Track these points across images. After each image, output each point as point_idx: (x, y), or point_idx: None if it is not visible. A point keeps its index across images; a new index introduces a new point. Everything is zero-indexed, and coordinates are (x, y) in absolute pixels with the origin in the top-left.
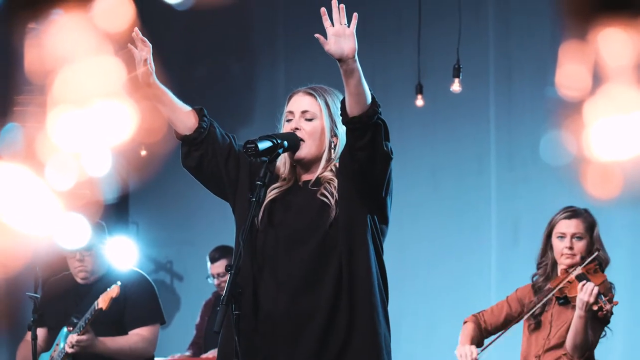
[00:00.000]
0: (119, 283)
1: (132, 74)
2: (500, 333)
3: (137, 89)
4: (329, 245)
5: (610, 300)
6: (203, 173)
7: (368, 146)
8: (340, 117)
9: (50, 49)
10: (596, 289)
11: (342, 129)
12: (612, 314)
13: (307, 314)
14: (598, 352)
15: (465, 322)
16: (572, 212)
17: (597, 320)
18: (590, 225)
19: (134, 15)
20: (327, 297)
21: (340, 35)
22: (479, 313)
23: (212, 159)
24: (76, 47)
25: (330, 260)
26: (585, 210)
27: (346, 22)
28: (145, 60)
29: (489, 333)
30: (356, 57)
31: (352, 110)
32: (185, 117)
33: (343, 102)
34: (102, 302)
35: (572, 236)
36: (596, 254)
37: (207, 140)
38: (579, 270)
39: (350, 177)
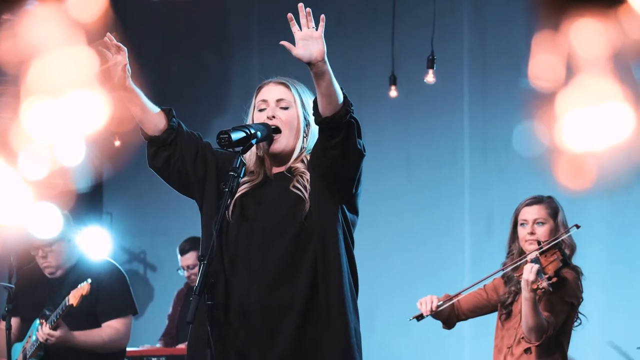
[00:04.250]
0: (89, 281)
1: (104, 66)
2: (468, 287)
3: (110, 80)
4: (304, 238)
5: (549, 278)
6: (170, 173)
7: (341, 145)
8: (312, 110)
9: (24, 39)
10: (535, 267)
11: (313, 119)
12: (550, 291)
13: (282, 307)
14: (573, 341)
15: None
16: (534, 199)
17: (559, 303)
18: (553, 211)
19: (107, 5)
20: (302, 290)
21: (308, 38)
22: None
23: (179, 159)
24: (50, 38)
25: (305, 254)
26: (549, 197)
27: (314, 25)
28: (124, 65)
29: (462, 314)
30: (326, 59)
31: (325, 110)
32: (155, 118)
33: (316, 102)
34: (72, 298)
35: (534, 222)
36: (558, 239)
37: (175, 141)
38: (535, 254)
39: (321, 174)
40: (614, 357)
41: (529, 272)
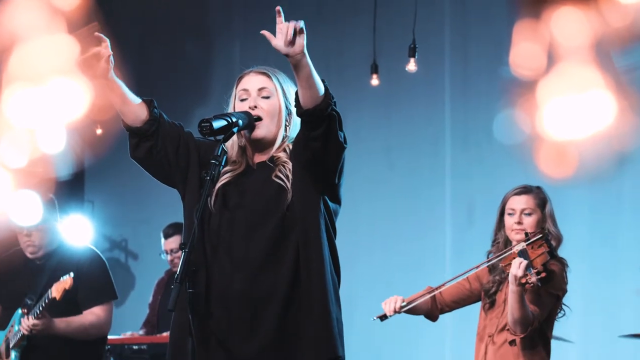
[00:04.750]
0: (72, 274)
1: (85, 55)
2: (439, 287)
3: (90, 69)
4: (286, 228)
5: (538, 273)
6: (152, 163)
7: (322, 137)
8: (294, 101)
9: (4, 27)
10: (525, 263)
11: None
12: (538, 286)
13: (264, 296)
14: (555, 330)
15: None
16: (523, 189)
17: (544, 295)
18: (541, 201)
19: None
20: (284, 280)
21: (288, 31)
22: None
23: (162, 150)
24: (31, 26)
25: (287, 243)
26: (537, 188)
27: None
28: (108, 56)
29: (446, 305)
30: (305, 51)
31: (306, 102)
32: (136, 109)
33: (297, 94)
34: (55, 291)
35: (522, 212)
36: (545, 229)
37: (157, 132)
38: (522, 245)
39: (303, 165)
40: (595, 343)
41: (517, 267)
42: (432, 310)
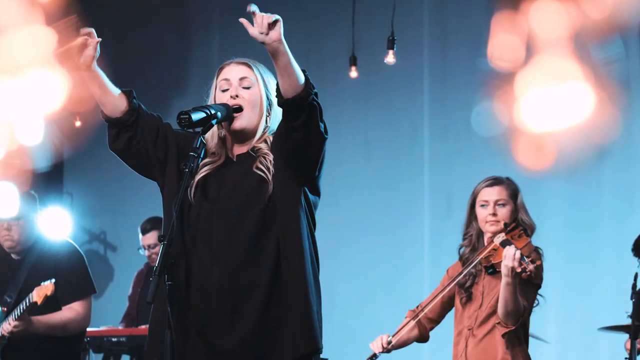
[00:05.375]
0: (53, 281)
1: (69, 45)
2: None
3: (70, 60)
4: (268, 220)
5: (533, 261)
6: (131, 155)
7: (302, 127)
8: (275, 91)
9: None
10: (518, 253)
11: (276, 100)
12: (535, 273)
13: (245, 289)
14: (532, 320)
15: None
16: (494, 180)
17: (528, 286)
18: (513, 192)
19: None
20: (264, 272)
21: (262, 21)
22: (417, 307)
23: (141, 141)
24: (8, 17)
25: (269, 236)
26: (507, 178)
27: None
28: (96, 43)
29: (433, 322)
30: (282, 39)
31: (286, 92)
32: (115, 100)
33: (278, 84)
34: (37, 296)
35: (495, 203)
36: (518, 219)
37: (137, 123)
38: (502, 236)
39: (284, 156)
40: (573, 335)
41: (511, 259)
42: (422, 333)
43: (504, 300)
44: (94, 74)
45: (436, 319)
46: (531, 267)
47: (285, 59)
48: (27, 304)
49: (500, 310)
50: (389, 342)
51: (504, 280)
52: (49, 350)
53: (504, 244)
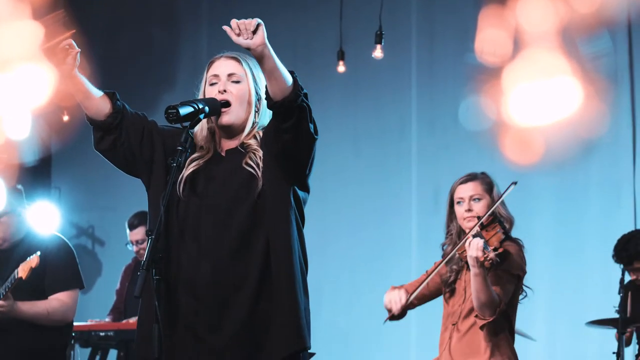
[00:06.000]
0: (38, 253)
1: (51, 43)
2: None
3: (55, 56)
4: (257, 217)
5: (495, 249)
6: (116, 155)
7: (292, 129)
8: (264, 86)
9: None
10: (481, 242)
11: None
12: (506, 263)
13: (233, 285)
14: (520, 314)
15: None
16: (468, 177)
17: (504, 277)
18: (488, 186)
19: None
20: (253, 269)
21: (245, 27)
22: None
23: (126, 142)
24: None
25: (258, 232)
26: (482, 173)
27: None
28: (76, 53)
29: (412, 304)
30: (266, 43)
31: (274, 94)
32: (98, 103)
33: (267, 87)
34: (21, 271)
35: (470, 198)
36: (495, 212)
37: (121, 124)
38: (475, 229)
39: (274, 156)
40: (561, 328)
41: (475, 249)
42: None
43: (475, 292)
44: (75, 80)
45: (413, 301)
46: (491, 254)
47: (271, 63)
48: (13, 280)
49: (474, 302)
50: (408, 299)
51: (472, 270)
52: (34, 341)
53: (475, 237)
